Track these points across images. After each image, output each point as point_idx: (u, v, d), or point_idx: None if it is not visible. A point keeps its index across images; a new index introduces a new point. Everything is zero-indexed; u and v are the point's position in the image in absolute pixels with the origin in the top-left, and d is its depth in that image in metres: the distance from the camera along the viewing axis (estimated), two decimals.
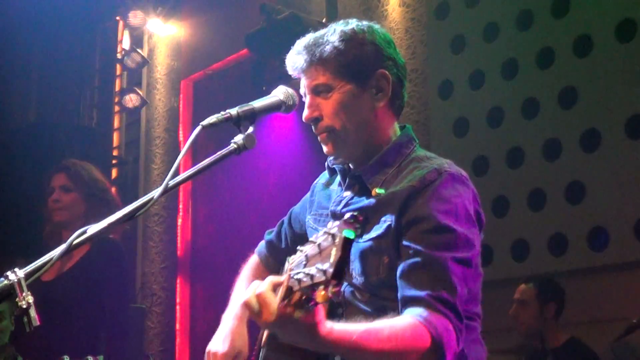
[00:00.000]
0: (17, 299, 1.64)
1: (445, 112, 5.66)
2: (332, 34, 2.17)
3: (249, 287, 1.73)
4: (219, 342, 2.35)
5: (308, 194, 2.49)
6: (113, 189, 4.10)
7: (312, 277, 1.53)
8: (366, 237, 2.10)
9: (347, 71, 2.15)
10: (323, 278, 1.49)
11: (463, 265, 2.00)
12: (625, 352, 4.51)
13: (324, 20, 6.09)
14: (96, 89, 8.36)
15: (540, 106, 5.22)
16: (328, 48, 2.14)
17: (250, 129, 2.00)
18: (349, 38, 2.16)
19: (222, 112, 1.99)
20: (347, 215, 1.53)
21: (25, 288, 1.65)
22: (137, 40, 7.69)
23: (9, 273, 1.67)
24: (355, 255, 2.10)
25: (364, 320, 1.95)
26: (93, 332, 3.85)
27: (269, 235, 2.62)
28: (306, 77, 2.18)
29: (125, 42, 7.83)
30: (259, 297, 1.67)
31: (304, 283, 1.55)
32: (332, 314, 1.90)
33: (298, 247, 1.65)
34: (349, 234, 1.49)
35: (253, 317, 1.71)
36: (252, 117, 2.02)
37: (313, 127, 2.20)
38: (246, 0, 6.64)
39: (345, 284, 2.13)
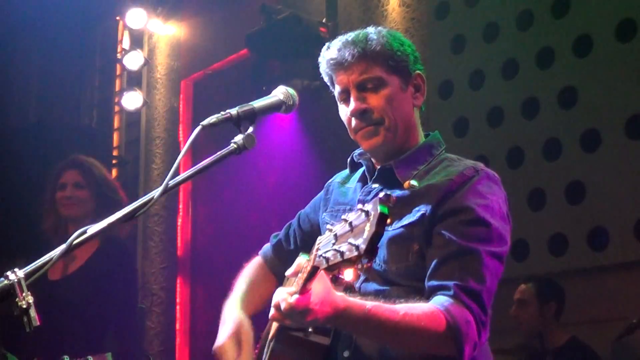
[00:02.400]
0: (17, 299, 1.63)
1: (445, 112, 5.66)
2: (374, 33, 2.22)
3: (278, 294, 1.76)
4: (220, 336, 2.33)
5: (321, 194, 2.50)
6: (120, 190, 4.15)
7: (342, 253, 1.53)
8: (397, 224, 2.12)
9: (396, 66, 2.21)
10: (355, 254, 1.49)
11: (495, 259, 2.05)
12: (626, 352, 4.51)
13: (324, 20, 6.09)
14: (96, 89, 8.36)
15: (540, 106, 5.22)
16: (378, 43, 2.19)
17: (250, 129, 1.99)
18: (393, 37, 2.23)
19: (222, 112, 1.99)
20: (381, 194, 1.53)
21: (25, 288, 1.65)
22: (137, 40, 7.68)
23: (9, 273, 1.66)
24: (382, 242, 2.09)
25: None
26: (101, 329, 3.90)
27: (275, 237, 2.62)
28: (353, 70, 2.19)
29: (125, 42, 7.83)
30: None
31: (332, 261, 1.55)
32: None
33: (327, 226, 1.66)
34: (385, 209, 1.49)
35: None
36: (252, 117, 2.01)
37: (357, 121, 2.21)
38: (246, 0, 6.64)
39: (363, 277, 2.14)
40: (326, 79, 2.30)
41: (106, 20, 8.06)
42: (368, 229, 1.49)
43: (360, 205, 1.56)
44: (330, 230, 1.62)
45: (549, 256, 5.06)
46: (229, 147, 1.97)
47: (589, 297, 4.88)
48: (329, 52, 2.23)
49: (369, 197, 2.22)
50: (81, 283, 3.88)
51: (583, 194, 4.95)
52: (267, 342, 2.22)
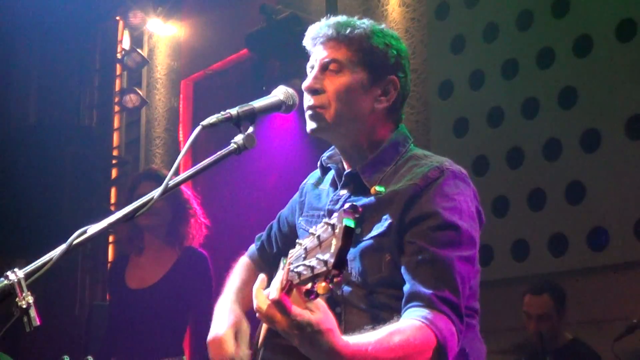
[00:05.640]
0: (17, 299, 1.63)
1: (445, 112, 5.66)
2: (365, 23, 2.20)
3: (257, 296, 1.71)
4: (217, 327, 2.33)
5: (296, 195, 2.49)
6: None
7: (312, 268, 1.52)
8: (367, 235, 2.09)
9: (366, 60, 2.17)
10: (324, 269, 1.48)
11: (467, 263, 2.01)
12: (626, 352, 4.51)
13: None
14: (96, 89, 8.37)
15: (540, 106, 5.22)
16: (358, 31, 2.17)
17: (250, 129, 1.99)
18: (380, 34, 2.20)
19: (222, 112, 1.98)
20: (346, 205, 1.53)
21: (25, 288, 1.64)
22: (137, 40, 7.69)
23: (9, 273, 1.66)
24: (355, 255, 2.09)
25: (363, 318, 1.98)
26: (179, 334, 4.18)
27: (259, 240, 2.63)
28: (323, 49, 2.18)
29: (125, 42, 7.84)
30: (276, 304, 1.65)
31: (304, 276, 1.55)
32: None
33: (297, 241, 1.65)
34: (350, 222, 1.48)
35: (271, 325, 1.71)
36: (252, 117, 2.01)
37: (307, 100, 2.18)
38: (246, 0, 6.64)
39: (344, 283, 2.13)
40: (308, 52, 2.28)
41: (106, 20, 8.06)
42: (335, 243, 1.47)
43: (326, 219, 1.55)
44: (300, 244, 1.62)
45: (549, 256, 5.05)
46: (229, 147, 1.96)
47: (589, 297, 4.87)
48: (312, 27, 2.24)
49: (337, 207, 2.18)
50: (163, 293, 4.11)
51: (583, 194, 4.95)
52: (257, 349, 2.23)
